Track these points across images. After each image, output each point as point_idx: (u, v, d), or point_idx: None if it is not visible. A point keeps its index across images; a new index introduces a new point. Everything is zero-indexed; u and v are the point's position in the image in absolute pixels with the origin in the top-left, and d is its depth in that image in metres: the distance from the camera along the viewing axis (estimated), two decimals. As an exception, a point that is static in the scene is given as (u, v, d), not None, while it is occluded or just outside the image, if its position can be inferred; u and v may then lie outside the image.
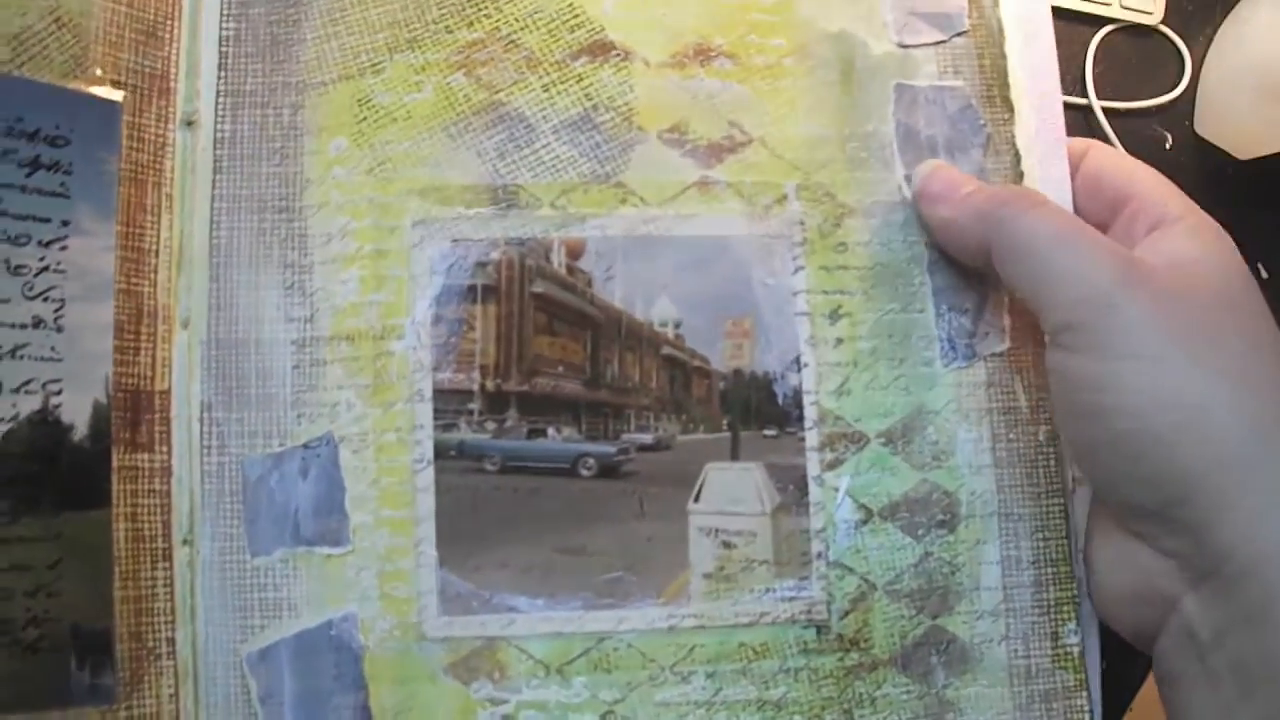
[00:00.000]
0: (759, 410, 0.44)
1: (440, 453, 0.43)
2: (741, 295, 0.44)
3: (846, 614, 0.43)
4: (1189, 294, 0.38)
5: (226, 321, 0.43)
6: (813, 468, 0.44)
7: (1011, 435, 0.44)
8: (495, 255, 0.44)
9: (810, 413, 0.44)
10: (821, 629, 0.43)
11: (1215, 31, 0.65)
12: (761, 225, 0.44)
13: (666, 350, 0.44)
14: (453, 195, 0.44)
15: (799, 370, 0.44)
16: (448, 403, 0.43)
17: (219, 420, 0.43)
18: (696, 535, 0.43)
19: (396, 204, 0.44)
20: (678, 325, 0.44)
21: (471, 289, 0.44)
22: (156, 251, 0.43)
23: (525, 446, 0.43)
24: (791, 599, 0.43)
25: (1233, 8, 0.65)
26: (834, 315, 0.44)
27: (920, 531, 0.44)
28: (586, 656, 0.43)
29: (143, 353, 0.43)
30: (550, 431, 0.43)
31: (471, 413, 0.43)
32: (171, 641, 0.42)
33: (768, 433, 0.44)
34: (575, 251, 0.44)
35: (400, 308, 0.43)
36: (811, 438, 0.44)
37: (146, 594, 0.42)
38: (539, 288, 0.44)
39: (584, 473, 0.43)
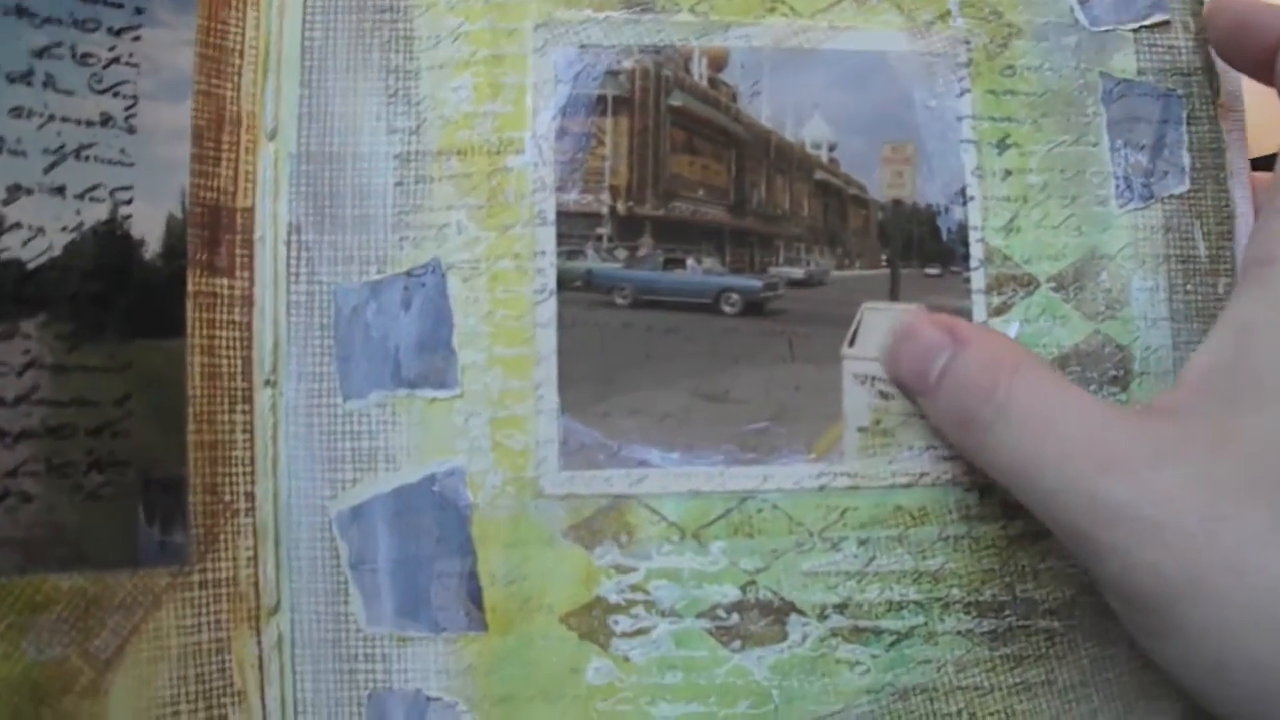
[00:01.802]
0: (921, 246, 0.39)
1: (564, 283, 0.38)
2: (902, 118, 0.40)
3: (1013, 475, 0.40)
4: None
5: (319, 133, 0.38)
6: (979, 311, 0.39)
7: (1189, 286, 0.40)
8: (628, 64, 0.39)
9: (976, 250, 0.39)
10: (985, 492, 0.39)
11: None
12: (923, 42, 0.40)
13: (820, 175, 0.40)
14: (581, -4, 0.40)
15: (964, 204, 0.40)
16: (573, 227, 0.38)
17: (309, 244, 0.38)
18: (851, 383, 0.39)
19: (516, 4, 0.39)
20: (832, 148, 0.40)
21: (601, 100, 0.39)
22: (241, 52, 0.38)
23: (661, 278, 0.39)
24: (953, 458, 0.39)
25: None
26: (1002, 145, 0.40)
27: (1091, 388, 0.39)
28: (727, 519, 0.38)
29: (224, 164, 0.37)
30: (689, 262, 0.39)
31: (600, 238, 0.38)
32: (251, 496, 0.37)
33: (930, 271, 0.40)
34: (718, 62, 0.39)
35: (520, 119, 0.38)
36: (977, 278, 0.39)
37: (224, 440, 0.36)
38: (677, 100, 0.39)
39: (727, 309, 0.39)
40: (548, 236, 0.38)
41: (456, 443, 0.37)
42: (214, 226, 0.37)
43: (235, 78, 0.38)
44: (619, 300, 0.38)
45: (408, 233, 0.38)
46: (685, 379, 0.38)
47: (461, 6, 0.39)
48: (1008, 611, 0.39)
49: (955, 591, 0.38)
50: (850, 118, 0.39)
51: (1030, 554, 0.39)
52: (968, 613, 0.38)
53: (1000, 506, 0.39)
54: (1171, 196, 0.41)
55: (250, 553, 0.37)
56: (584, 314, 0.38)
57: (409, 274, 0.38)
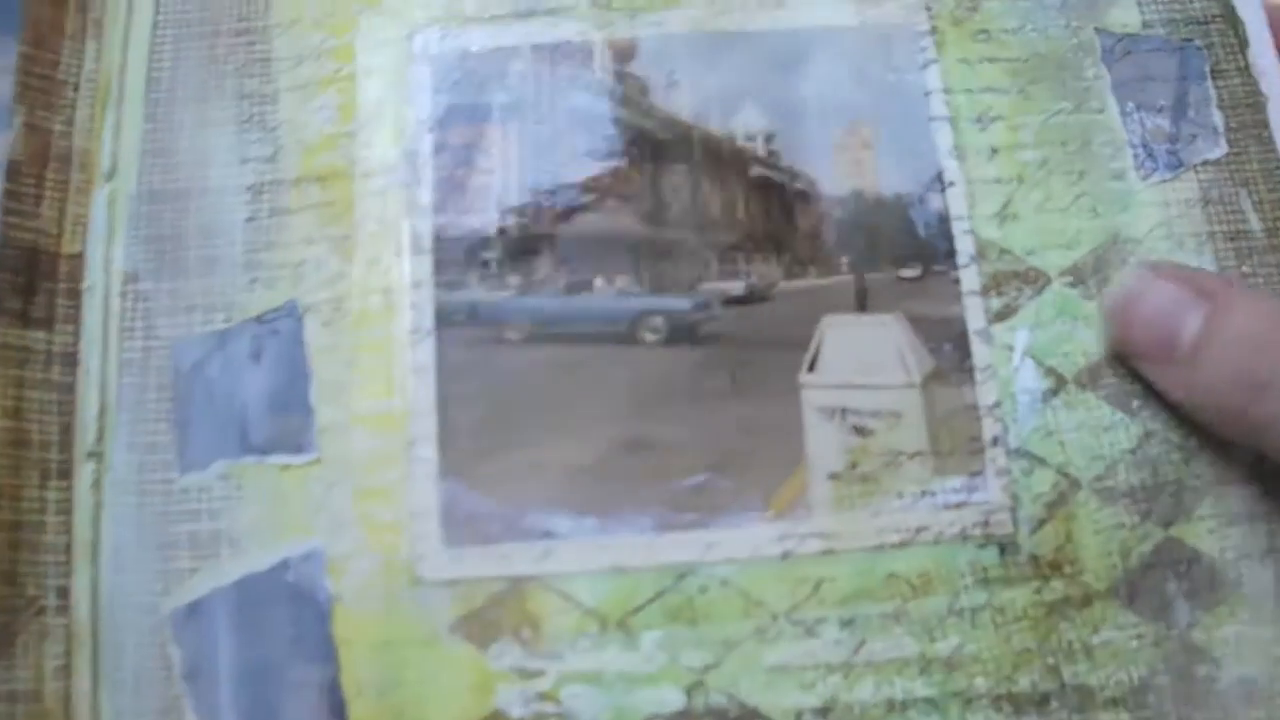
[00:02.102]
0: (891, 244, 0.31)
1: (445, 319, 0.31)
2: (853, 99, 0.32)
3: (1041, 524, 0.30)
4: None
5: (164, 170, 0.33)
6: (975, 318, 0.31)
7: (1245, 268, 0.31)
8: (518, 66, 0.33)
9: (965, 244, 0.31)
10: (1006, 548, 0.29)
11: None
12: (873, 11, 0.33)
13: (756, 171, 0.32)
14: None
15: (943, 189, 0.32)
16: (454, 252, 0.31)
17: (146, 293, 0.32)
18: (815, 418, 0.30)
19: (388, 14, 0.34)
20: (769, 138, 0.32)
21: (486, 107, 0.33)
22: (76, 85, 0.33)
23: (564, 305, 0.31)
24: (960, 505, 0.30)
25: None
26: (984, 119, 0.32)
27: (1135, 403, 0.30)
28: (661, 601, 0.29)
29: (47, 203, 0.32)
30: (598, 283, 0.32)
31: (487, 264, 0.32)
32: (64, 591, 0.29)
33: (906, 273, 0.32)
34: (625, 54, 0.33)
35: (391, 136, 0.32)
36: (969, 278, 0.31)
37: (31, 522, 0.30)
38: (577, 100, 0.33)
39: (648, 337, 0.31)
40: (423, 265, 0.31)
41: (315, 519, 0.30)
42: (30, 272, 0.31)
43: (68, 111, 0.33)
44: (512, 336, 0.31)
45: (259, 273, 0.32)
46: (600, 426, 0.30)
47: (328, 21, 0.34)
48: (1055, 704, 0.28)
49: (980, 682, 0.29)
50: (789, 102, 0.32)
51: (1079, 625, 0.29)
52: (999, 710, 0.28)
53: (1031, 563, 0.29)
54: (1206, 163, 0.32)
55: (60, 661, 0.29)
56: (470, 355, 0.31)
57: (260, 319, 0.31)
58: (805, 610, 0.29)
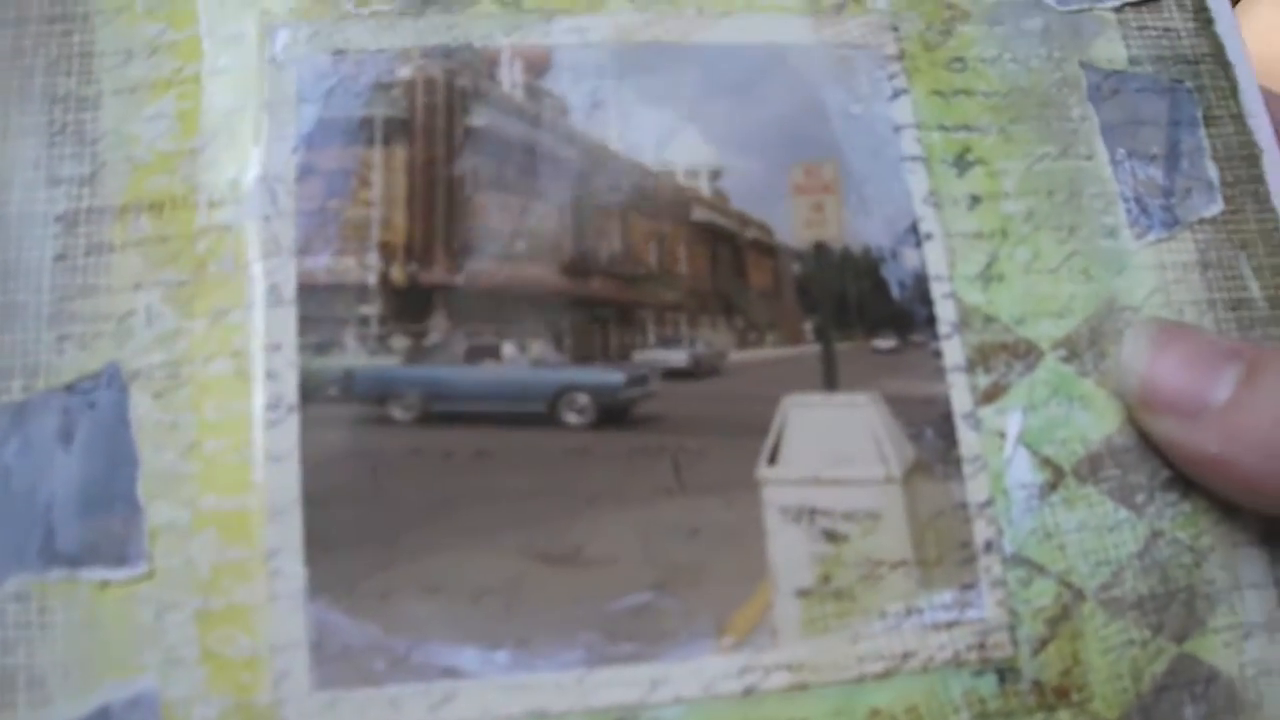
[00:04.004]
0: (861, 308, 0.27)
1: (312, 391, 0.25)
2: (813, 131, 0.28)
3: (1044, 645, 0.25)
4: None
5: (-57, 194, 0.26)
6: (961, 399, 0.26)
7: (1249, 339, 0.29)
8: (405, 72, 0.27)
9: (946, 309, 0.27)
10: (1006, 674, 0.25)
11: (1215, 31, 0.61)
12: (833, 29, 0.29)
13: (701, 214, 0.27)
14: (335, -14, 0.28)
15: (919, 243, 0.28)
16: (325, 306, 0.25)
17: (-84, 356, 0.25)
18: (778, 522, 0.25)
19: (242, 2, 0.28)
20: (716, 175, 0.27)
21: (366, 124, 0.26)
22: None
23: (464, 376, 0.25)
24: (951, 624, 0.25)
25: (1232, 8, 0.63)
26: (962, 162, 0.28)
27: (1139, 498, 0.27)
28: (596, 755, 0.25)
29: None
30: (508, 350, 0.26)
31: (366, 321, 0.26)
32: None
33: (882, 344, 0.27)
34: (539, 66, 0.27)
35: (244, 155, 0.26)
36: (952, 350, 0.27)
37: None
38: (479, 119, 0.27)
39: (572, 419, 0.26)
40: (283, 322, 0.25)
41: (145, 653, 0.23)
42: None
43: None
44: (399, 414, 0.25)
45: (71, 327, 0.25)
46: (511, 532, 0.24)
47: (165, 9, 0.27)
48: None
49: (981, 839, 0.25)
50: (739, 133, 0.27)
51: (1095, 762, 0.25)
52: None
53: (1034, 691, 0.25)
54: (1203, 221, 0.29)
55: None
56: (344, 438, 0.24)
57: (70, 389, 0.25)
58: (773, 759, 0.24)
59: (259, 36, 0.27)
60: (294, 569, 0.24)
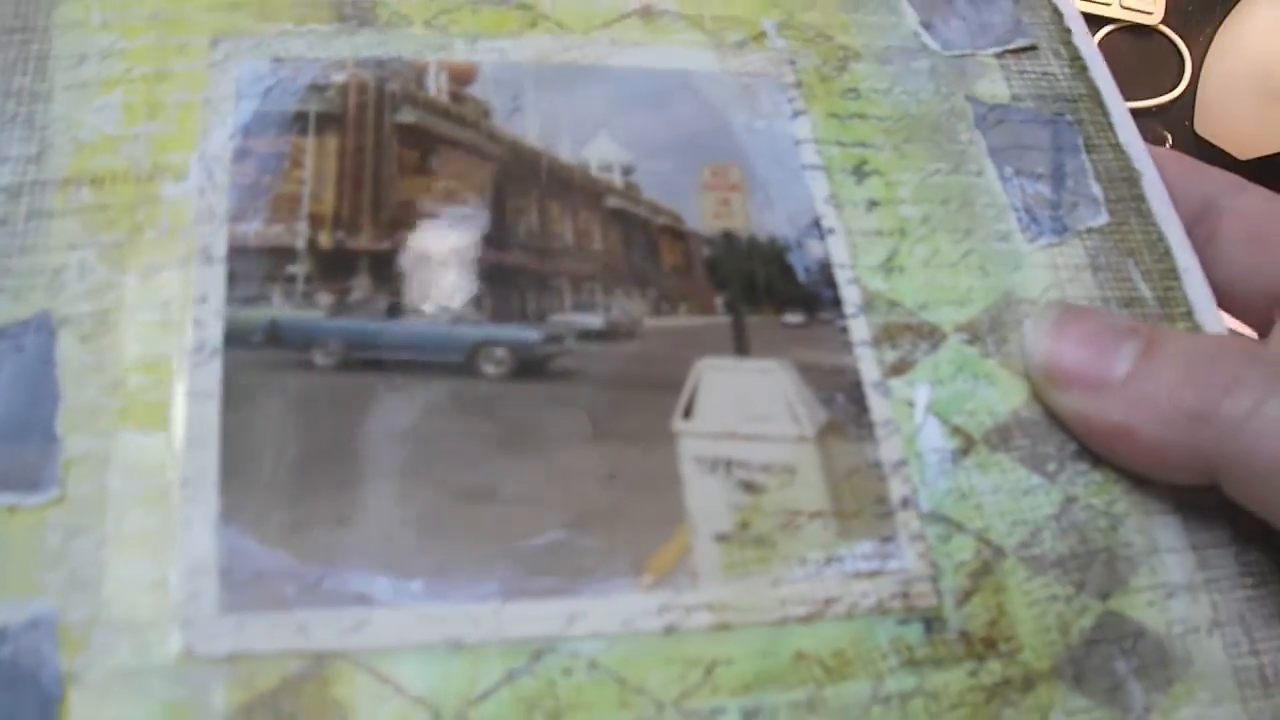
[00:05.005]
0: (770, 288, 0.28)
1: (237, 338, 0.25)
2: (719, 141, 0.30)
3: (968, 596, 0.25)
4: None
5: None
6: (870, 370, 0.27)
7: (1144, 334, 0.30)
8: (339, 77, 0.29)
9: (851, 293, 0.28)
10: (932, 623, 0.25)
11: (1215, 31, 0.68)
12: (736, 61, 0.31)
13: (614, 202, 0.28)
14: (278, 9, 0.30)
15: (822, 236, 0.29)
16: (253, 265, 0.26)
17: None
18: (694, 470, 0.25)
19: (189, 18, 0.29)
20: (628, 171, 0.29)
21: (300, 117, 0.28)
22: None
23: (385, 328, 0.26)
24: (873, 574, 0.25)
25: (1233, 8, 0.68)
26: (859, 172, 0.30)
27: (1051, 466, 0.27)
28: (513, 687, 0.23)
29: None
30: (428, 308, 0.27)
31: (293, 279, 0.26)
32: None
33: (791, 319, 0.28)
34: (464, 77, 0.29)
35: (185, 139, 0.27)
36: (858, 328, 0.28)
37: None
38: (408, 117, 0.29)
39: (490, 370, 0.26)
40: (212, 278, 0.26)
41: (46, 575, 0.22)
42: None
43: None
44: (322, 360, 0.25)
45: (6, 280, 0.25)
46: (427, 470, 0.24)
47: (118, 23, 0.29)
48: (1005, 808, 0.24)
49: (915, 786, 0.24)
50: (648, 139, 0.29)
51: (1025, 711, 0.24)
52: (940, 817, 0.24)
53: (961, 640, 0.25)
54: (1091, 230, 0.31)
55: None
56: (265, 379, 0.25)
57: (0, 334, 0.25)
58: (698, 699, 0.23)
59: (205, 47, 0.29)
60: (208, 496, 0.23)
